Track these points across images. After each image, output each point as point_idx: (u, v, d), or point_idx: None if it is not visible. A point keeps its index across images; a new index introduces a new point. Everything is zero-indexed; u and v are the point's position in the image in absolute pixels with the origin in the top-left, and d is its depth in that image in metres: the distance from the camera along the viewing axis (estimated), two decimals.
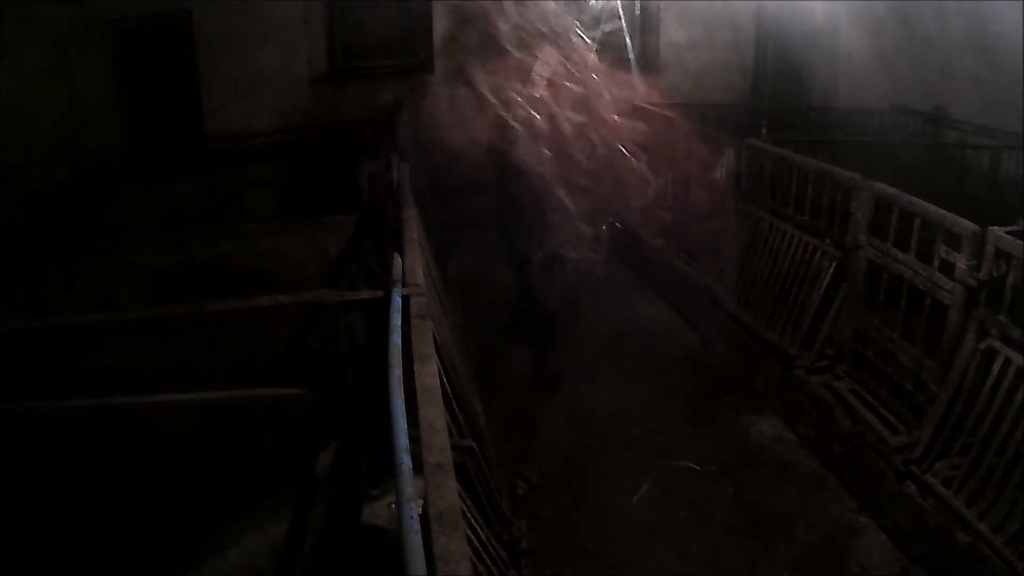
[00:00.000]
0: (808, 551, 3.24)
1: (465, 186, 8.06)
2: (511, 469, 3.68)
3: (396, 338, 2.28)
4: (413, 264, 2.94)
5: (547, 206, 4.41)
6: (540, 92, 4.45)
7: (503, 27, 4.29)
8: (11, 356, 2.99)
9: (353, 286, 3.91)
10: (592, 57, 5.07)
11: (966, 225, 3.07)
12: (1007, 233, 2.89)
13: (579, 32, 5.33)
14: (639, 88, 7.25)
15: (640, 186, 5.06)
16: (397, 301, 2.54)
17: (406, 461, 1.67)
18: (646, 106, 6.66)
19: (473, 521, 2.26)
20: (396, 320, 2.40)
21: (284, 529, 2.91)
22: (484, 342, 5.05)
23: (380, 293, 2.82)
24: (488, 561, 2.28)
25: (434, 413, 1.93)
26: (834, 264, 3.97)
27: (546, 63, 4.53)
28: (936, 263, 3.24)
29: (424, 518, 1.52)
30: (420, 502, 1.56)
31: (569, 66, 4.65)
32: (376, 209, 4.45)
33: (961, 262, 3.08)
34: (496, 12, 4.43)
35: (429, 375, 2.13)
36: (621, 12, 8.29)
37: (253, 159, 6.47)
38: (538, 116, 4.38)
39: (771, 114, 7.06)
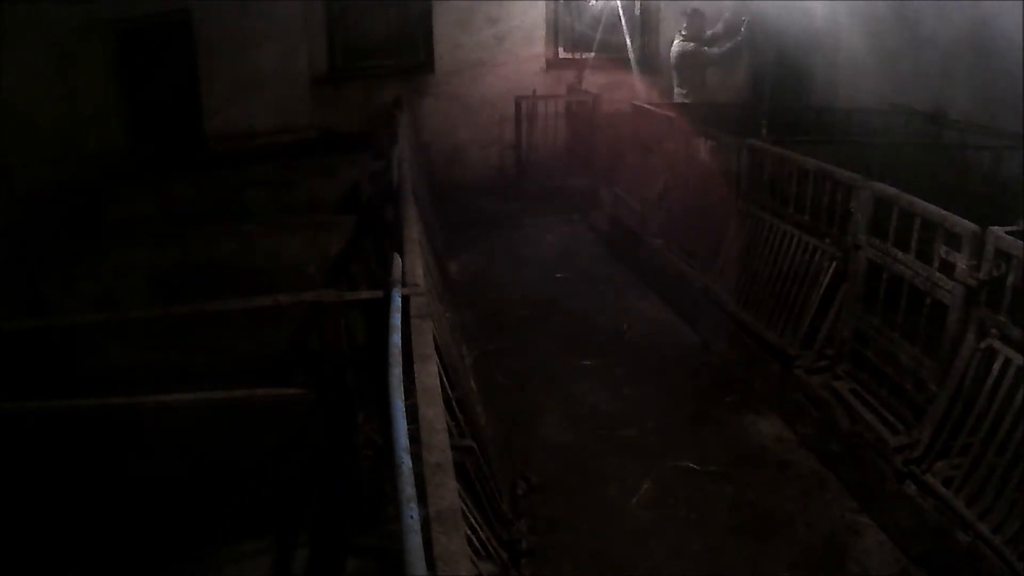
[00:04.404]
0: (808, 551, 3.24)
1: (467, 184, 8.10)
2: (511, 469, 3.68)
3: (396, 338, 2.28)
4: (413, 264, 2.94)
5: None
6: None
7: None
8: (10, 356, 2.99)
9: (353, 286, 3.91)
10: None
11: (966, 225, 3.07)
12: (1007, 233, 2.90)
13: None
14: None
15: None
16: (397, 301, 2.55)
17: (406, 461, 1.67)
18: (646, 106, 6.67)
19: (473, 521, 2.26)
20: (396, 320, 2.40)
21: (301, 537, 2.91)
22: (486, 341, 5.07)
23: (380, 293, 2.82)
24: (488, 561, 2.28)
25: (434, 413, 1.93)
26: (834, 264, 3.97)
27: None
28: (936, 263, 3.25)
29: (424, 518, 1.52)
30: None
31: None
32: (376, 209, 4.45)
33: (961, 262, 3.08)
34: None
35: (429, 375, 2.13)
36: (621, 12, 8.30)
37: (253, 159, 6.46)
38: None
39: (771, 114, 7.05)
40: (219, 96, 7.46)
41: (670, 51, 7.58)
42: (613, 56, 8.41)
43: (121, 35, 7.08)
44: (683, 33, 7.40)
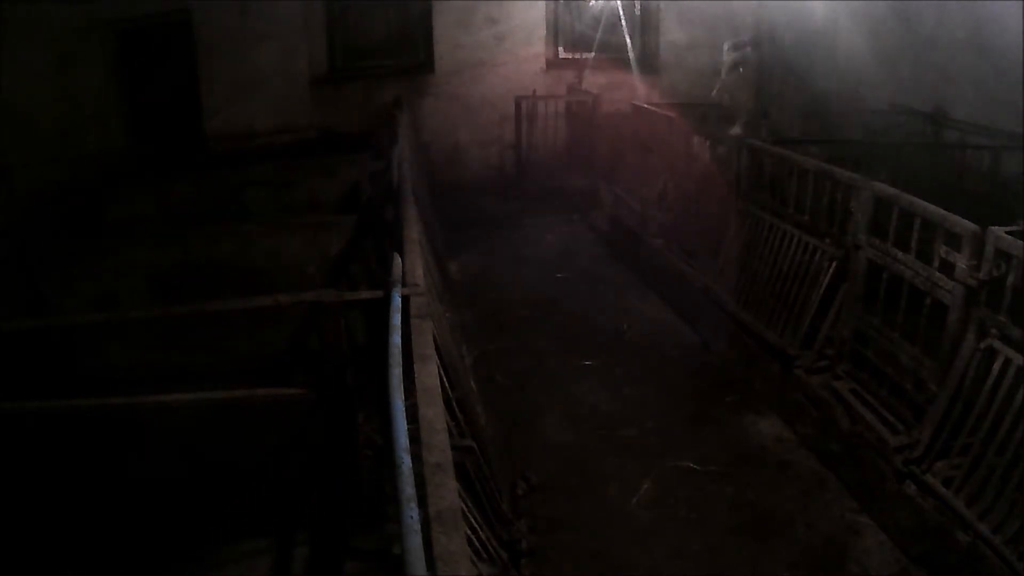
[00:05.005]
0: (808, 551, 3.24)
1: (467, 184, 8.10)
2: (511, 469, 3.68)
3: (396, 338, 2.28)
4: (413, 264, 2.94)
5: None
6: None
7: None
8: (10, 356, 2.99)
9: (353, 286, 3.91)
10: None
11: (966, 225, 3.07)
12: (1007, 233, 2.90)
13: None
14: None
15: None
16: (397, 301, 2.54)
17: (406, 461, 1.67)
18: (646, 106, 6.67)
19: (473, 521, 2.26)
20: (396, 320, 2.40)
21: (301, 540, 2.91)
22: (486, 341, 5.07)
23: (380, 293, 2.82)
24: (488, 561, 2.28)
25: (434, 413, 1.93)
26: (834, 264, 3.97)
27: None
28: (936, 263, 3.25)
29: (424, 518, 1.52)
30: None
31: None
32: (376, 209, 4.45)
33: (961, 262, 3.08)
34: None
35: (429, 375, 2.13)
36: (621, 12, 8.30)
37: (253, 159, 6.47)
38: None
39: (771, 114, 7.06)
40: (219, 96, 7.46)
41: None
42: (613, 56, 8.41)
43: (121, 35, 7.07)
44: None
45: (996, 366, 2.91)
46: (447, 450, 1.77)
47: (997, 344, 2.93)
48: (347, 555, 2.81)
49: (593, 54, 8.33)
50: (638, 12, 8.64)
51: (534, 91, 8.05)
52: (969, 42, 6.11)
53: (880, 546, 3.25)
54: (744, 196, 4.92)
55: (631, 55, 8.40)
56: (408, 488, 1.58)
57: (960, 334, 3.10)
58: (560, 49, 8.46)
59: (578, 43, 8.48)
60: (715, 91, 7.70)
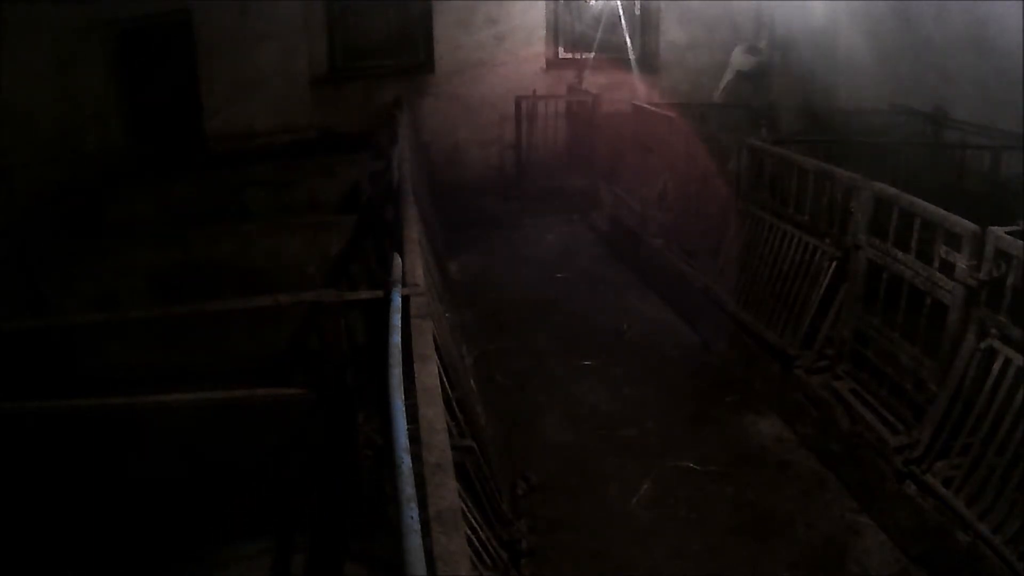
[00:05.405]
0: (808, 551, 3.24)
1: (467, 184, 8.10)
2: (511, 469, 3.68)
3: (396, 338, 2.28)
4: (413, 264, 2.94)
5: None
6: None
7: None
8: (10, 356, 2.99)
9: (353, 286, 3.91)
10: None
11: (966, 225, 3.07)
12: (1007, 233, 2.90)
13: None
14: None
15: None
16: (397, 301, 2.55)
17: (406, 461, 1.67)
18: (646, 106, 6.67)
19: (473, 521, 2.26)
20: (396, 320, 2.40)
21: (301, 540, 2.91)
22: (486, 341, 5.07)
23: (380, 293, 2.82)
24: (488, 561, 2.28)
25: (434, 413, 1.93)
26: (834, 264, 3.97)
27: None
28: (936, 263, 3.25)
29: (424, 518, 1.52)
30: None
31: None
32: (376, 209, 4.45)
33: (961, 262, 3.08)
34: None
35: (429, 375, 2.13)
36: (621, 12, 8.30)
37: (253, 159, 6.47)
38: None
39: (771, 114, 7.05)
40: (219, 96, 7.47)
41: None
42: (613, 56, 8.40)
43: (121, 35, 7.07)
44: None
45: (996, 366, 2.91)
46: (447, 450, 1.77)
47: (997, 344, 2.93)
48: (347, 554, 2.81)
49: (593, 54, 8.33)
50: (638, 12, 8.64)
51: (534, 91, 8.05)
52: (969, 42, 6.11)
53: (880, 546, 3.25)
54: (744, 196, 4.92)
55: (631, 55, 8.41)
56: (408, 488, 1.58)
57: (960, 334, 3.11)
58: (560, 49, 8.46)
59: (578, 43, 8.48)
60: (717, 93, 7.70)
